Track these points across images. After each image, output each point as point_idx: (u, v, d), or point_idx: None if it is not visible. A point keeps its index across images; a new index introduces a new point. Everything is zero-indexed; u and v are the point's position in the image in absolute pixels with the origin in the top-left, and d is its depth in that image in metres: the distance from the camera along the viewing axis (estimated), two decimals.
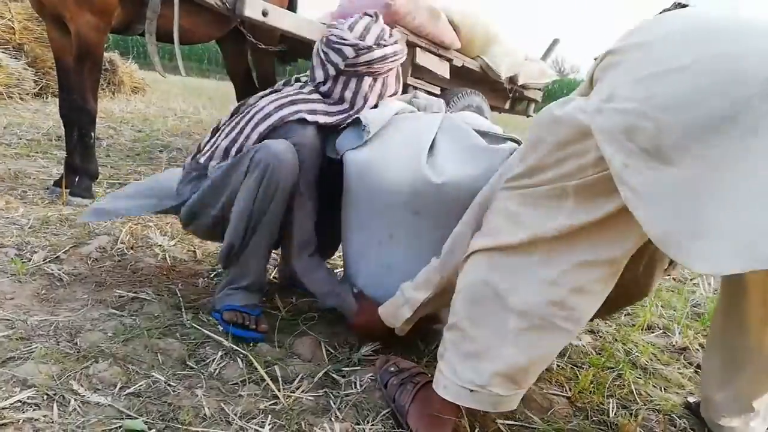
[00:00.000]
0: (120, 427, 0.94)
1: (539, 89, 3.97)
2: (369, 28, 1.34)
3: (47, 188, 2.30)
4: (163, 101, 6.68)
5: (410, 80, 2.95)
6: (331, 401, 1.10)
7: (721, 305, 1.14)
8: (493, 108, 3.77)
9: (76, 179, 2.25)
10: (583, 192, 0.82)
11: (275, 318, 1.42)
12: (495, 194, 0.98)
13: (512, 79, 3.55)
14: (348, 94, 1.35)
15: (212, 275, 1.66)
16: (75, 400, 0.98)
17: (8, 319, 1.23)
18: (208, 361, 1.18)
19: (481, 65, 3.34)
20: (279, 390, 1.10)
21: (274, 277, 1.71)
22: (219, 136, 1.39)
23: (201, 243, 1.91)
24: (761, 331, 1.04)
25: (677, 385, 1.39)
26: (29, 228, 1.82)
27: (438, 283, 1.09)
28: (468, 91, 3.30)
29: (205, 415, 1.00)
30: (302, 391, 1.12)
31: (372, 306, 1.26)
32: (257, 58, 3.26)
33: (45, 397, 0.98)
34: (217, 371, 1.15)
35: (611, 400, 1.25)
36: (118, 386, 1.05)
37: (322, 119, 1.32)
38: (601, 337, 1.62)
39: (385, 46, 1.34)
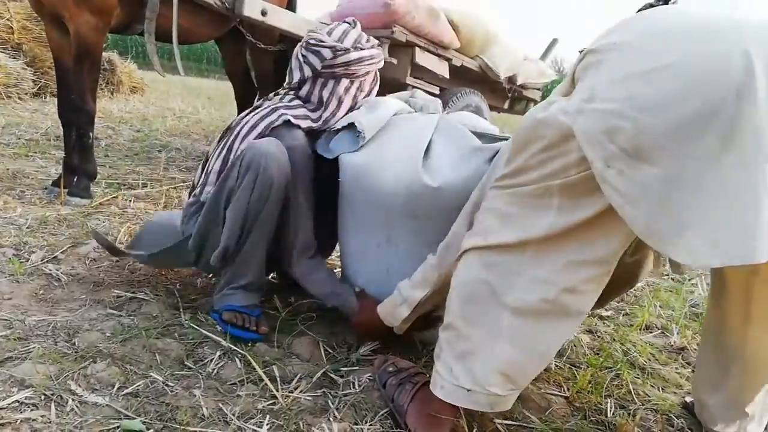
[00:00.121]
0: (118, 427, 0.93)
1: (538, 89, 3.98)
2: (347, 32, 1.39)
3: (45, 188, 2.30)
4: (161, 101, 6.68)
5: (409, 80, 2.95)
6: (329, 401, 1.10)
7: (708, 306, 1.15)
8: (492, 108, 3.77)
9: (75, 179, 2.25)
10: (567, 191, 0.83)
11: (274, 318, 1.41)
12: (485, 193, 0.99)
13: (511, 79, 3.55)
14: (325, 94, 1.38)
15: (210, 275, 1.66)
16: (73, 400, 0.98)
17: (6, 319, 1.23)
18: (206, 361, 1.18)
19: (480, 65, 3.34)
20: (277, 390, 1.10)
21: (272, 277, 1.70)
22: (209, 163, 1.40)
23: None
24: (743, 331, 1.04)
25: (675, 384, 1.39)
26: (27, 228, 1.82)
27: (435, 280, 1.09)
28: (467, 90, 3.30)
29: (203, 415, 1.00)
30: (300, 391, 1.12)
31: (373, 304, 1.26)
32: (256, 58, 3.26)
33: (43, 397, 0.98)
34: (215, 371, 1.15)
35: (609, 400, 1.25)
36: (116, 386, 1.04)
37: (305, 123, 1.35)
38: (599, 337, 1.62)
39: (362, 49, 1.38)
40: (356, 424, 1.04)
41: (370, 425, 1.04)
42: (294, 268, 1.35)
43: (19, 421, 0.91)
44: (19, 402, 0.96)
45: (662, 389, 1.36)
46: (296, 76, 1.40)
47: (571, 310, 0.88)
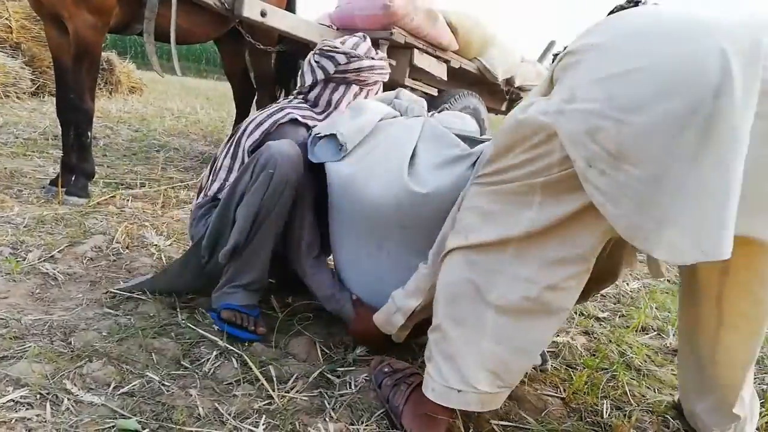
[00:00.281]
0: (113, 426, 0.93)
1: None
2: (358, 44, 1.49)
3: (43, 187, 2.30)
4: (160, 101, 6.68)
5: (408, 81, 2.96)
6: (325, 401, 1.10)
7: (680, 313, 1.15)
8: (490, 109, 3.78)
9: (73, 178, 2.25)
10: (549, 188, 0.84)
11: (271, 318, 1.41)
12: (467, 191, 0.99)
13: (509, 81, 3.56)
14: (334, 98, 1.46)
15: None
16: (68, 399, 0.98)
17: (2, 318, 1.23)
18: (202, 360, 1.18)
19: (478, 67, 3.35)
20: (273, 390, 1.10)
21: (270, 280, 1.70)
22: (218, 162, 1.44)
23: None
24: (715, 333, 1.05)
25: (671, 386, 1.39)
26: (24, 227, 1.82)
27: (429, 289, 1.08)
28: (465, 92, 3.31)
29: (199, 414, 1.00)
30: (297, 391, 1.12)
31: (369, 313, 1.25)
32: (255, 59, 3.26)
33: (38, 396, 0.98)
34: (211, 371, 1.15)
35: (605, 401, 1.25)
36: (112, 386, 1.04)
37: (311, 123, 1.40)
38: (595, 338, 1.63)
39: (373, 59, 1.48)
40: (352, 425, 1.04)
41: (366, 425, 1.04)
42: (300, 264, 1.36)
43: (14, 420, 0.91)
44: (14, 401, 0.95)
45: (658, 390, 1.36)
46: (308, 80, 1.46)
47: (553, 307, 0.89)
